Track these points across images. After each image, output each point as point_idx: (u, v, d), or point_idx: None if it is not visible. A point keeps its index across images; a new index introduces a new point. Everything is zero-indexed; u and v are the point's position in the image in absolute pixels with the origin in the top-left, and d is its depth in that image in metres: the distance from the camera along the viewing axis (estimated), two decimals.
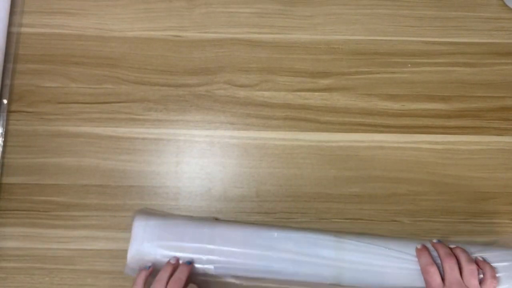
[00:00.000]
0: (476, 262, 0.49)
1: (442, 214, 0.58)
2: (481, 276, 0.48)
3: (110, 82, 0.60)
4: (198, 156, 0.59)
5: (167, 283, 0.47)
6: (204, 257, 0.50)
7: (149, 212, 0.54)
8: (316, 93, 0.60)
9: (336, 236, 0.52)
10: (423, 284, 0.49)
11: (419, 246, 0.50)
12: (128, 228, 0.55)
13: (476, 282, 0.47)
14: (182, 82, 0.60)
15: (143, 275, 0.48)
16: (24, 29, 0.61)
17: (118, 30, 0.62)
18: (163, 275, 0.47)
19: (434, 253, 0.50)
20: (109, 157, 0.58)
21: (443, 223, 0.57)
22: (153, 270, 0.49)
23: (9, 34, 0.60)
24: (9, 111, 0.59)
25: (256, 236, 0.51)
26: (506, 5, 0.64)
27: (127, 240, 0.55)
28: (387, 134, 0.59)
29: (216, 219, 0.56)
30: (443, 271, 0.48)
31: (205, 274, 0.51)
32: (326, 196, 0.58)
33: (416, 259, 0.50)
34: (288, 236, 0.51)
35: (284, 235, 0.51)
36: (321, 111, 0.60)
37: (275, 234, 0.51)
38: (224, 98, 0.60)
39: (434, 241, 0.51)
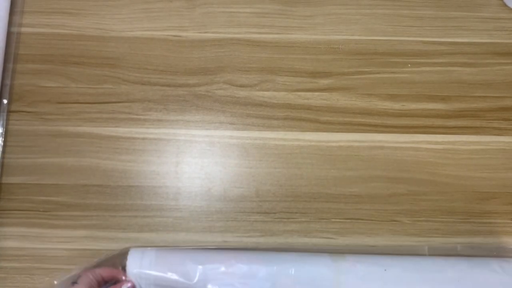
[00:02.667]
0: None
1: (442, 214, 0.58)
2: None
3: (110, 82, 0.60)
4: (198, 156, 0.59)
5: None
6: None
7: (140, 254, 0.52)
8: (316, 93, 0.60)
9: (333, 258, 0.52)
10: None
11: None
12: (127, 228, 0.56)
13: None
14: (182, 82, 0.60)
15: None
16: (24, 29, 0.61)
17: (118, 30, 0.62)
18: None
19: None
20: (109, 157, 0.58)
21: (443, 223, 0.57)
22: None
23: (9, 34, 0.60)
24: (9, 111, 0.59)
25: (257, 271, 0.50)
26: (506, 5, 0.64)
27: (127, 240, 0.55)
28: (387, 134, 0.59)
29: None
30: None
31: None
32: (326, 196, 0.58)
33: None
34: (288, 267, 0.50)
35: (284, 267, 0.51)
36: (321, 111, 0.60)
37: (275, 267, 0.51)
38: (224, 98, 0.60)
39: None
